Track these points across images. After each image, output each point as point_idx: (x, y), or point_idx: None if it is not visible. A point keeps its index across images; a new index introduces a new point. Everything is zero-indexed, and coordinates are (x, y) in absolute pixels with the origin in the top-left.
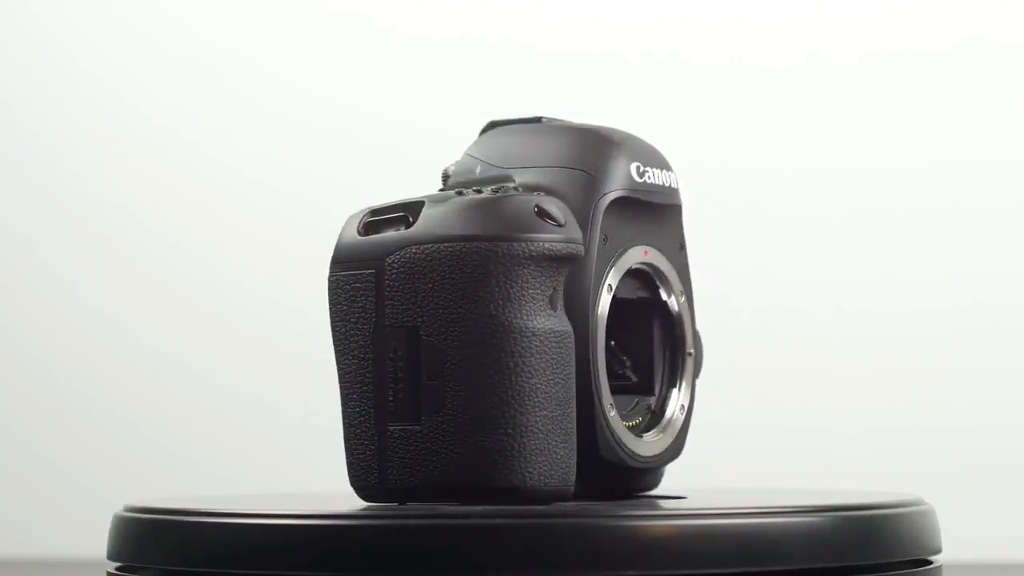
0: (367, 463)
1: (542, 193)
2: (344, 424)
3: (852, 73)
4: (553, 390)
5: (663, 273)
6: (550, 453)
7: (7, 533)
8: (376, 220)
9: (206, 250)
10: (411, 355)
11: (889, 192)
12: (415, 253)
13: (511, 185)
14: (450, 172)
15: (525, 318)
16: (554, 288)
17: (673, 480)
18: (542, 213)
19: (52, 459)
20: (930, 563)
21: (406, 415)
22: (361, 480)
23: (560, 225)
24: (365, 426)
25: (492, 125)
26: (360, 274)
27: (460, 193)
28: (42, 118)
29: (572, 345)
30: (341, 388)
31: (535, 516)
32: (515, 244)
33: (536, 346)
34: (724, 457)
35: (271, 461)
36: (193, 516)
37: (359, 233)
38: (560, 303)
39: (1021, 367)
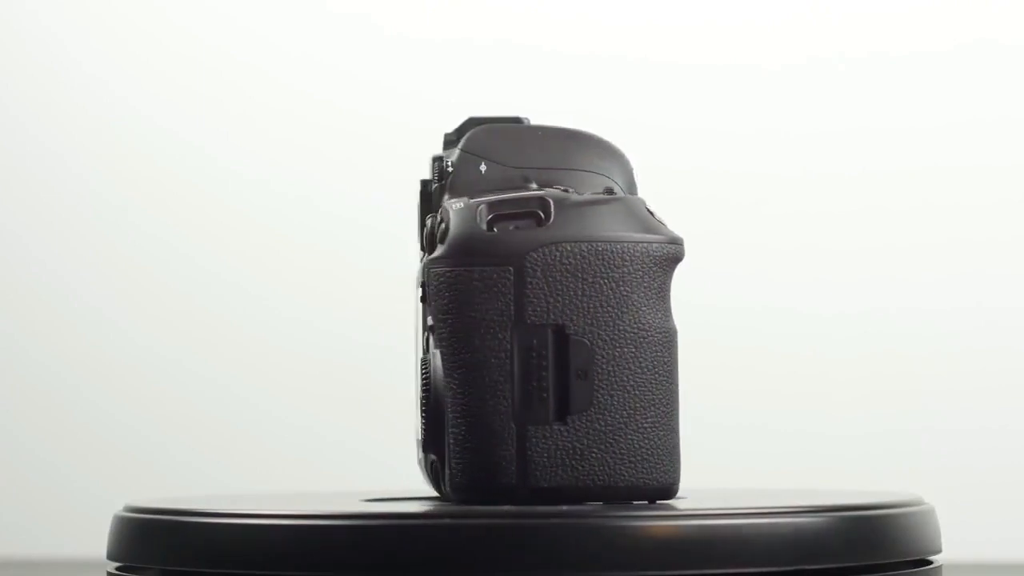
0: (501, 463)
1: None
2: (463, 423)
3: (852, 73)
4: (677, 389)
5: None
6: (678, 450)
7: (7, 533)
8: (502, 215)
9: (206, 250)
10: (558, 354)
11: (889, 193)
12: (561, 252)
13: (553, 188)
14: (449, 167)
15: (664, 318)
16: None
17: None
18: (652, 216)
19: (52, 459)
20: (930, 563)
21: (551, 414)
22: (488, 481)
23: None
24: (498, 425)
25: (474, 122)
26: (493, 270)
27: (566, 191)
28: (42, 118)
29: None
30: (459, 386)
31: (535, 516)
32: (652, 245)
33: (672, 345)
34: (724, 457)
35: (271, 461)
36: (193, 516)
37: (485, 229)
38: None
39: (1021, 368)
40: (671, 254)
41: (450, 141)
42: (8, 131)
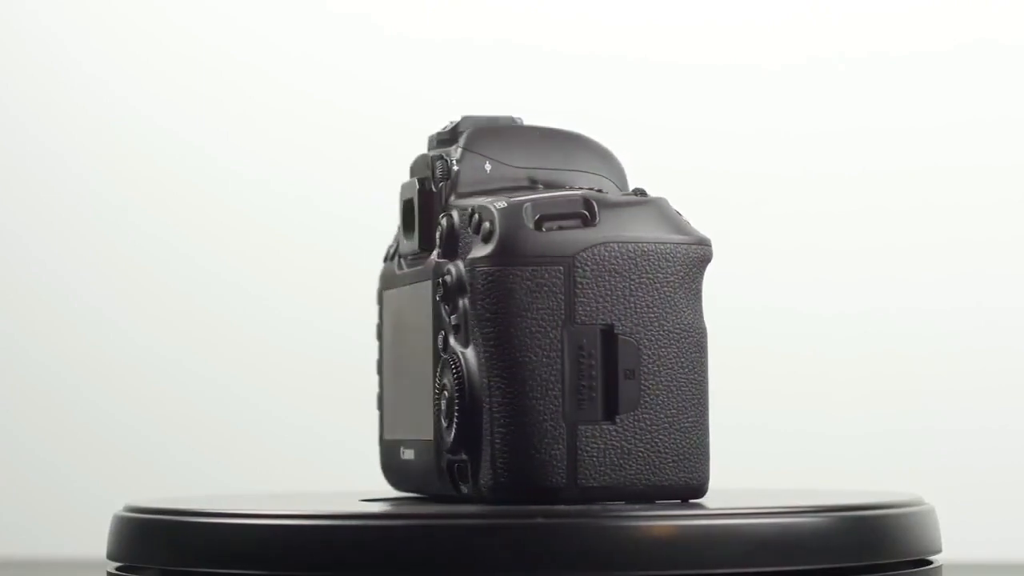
0: (551, 463)
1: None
2: (512, 423)
3: (852, 73)
4: (708, 388)
5: None
6: (709, 449)
7: (7, 533)
8: (549, 215)
9: (206, 250)
10: (606, 353)
11: (889, 193)
12: (609, 252)
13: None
14: (454, 165)
15: (699, 318)
16: None
17: None
18: (680, 216)
19: (52, 459)
20: (930, 563)
21: (601, 414)
22: (537, 481)
23: None
24: (550, 425)
25: (469, 121)
26: (545, 269)
27: (600, 191)
28: (42, 118)
29: None
30: (508, 385)
31: (535, 516)
32: (692, 247)
33: (705, 345)
34: (724, 458)
35: (271, 461)
36: (193, 516)
37: (533, 228)
38: None
39: (1021, 368)
40: (706, 255)
41: (444, 140)
42: (8, 131)
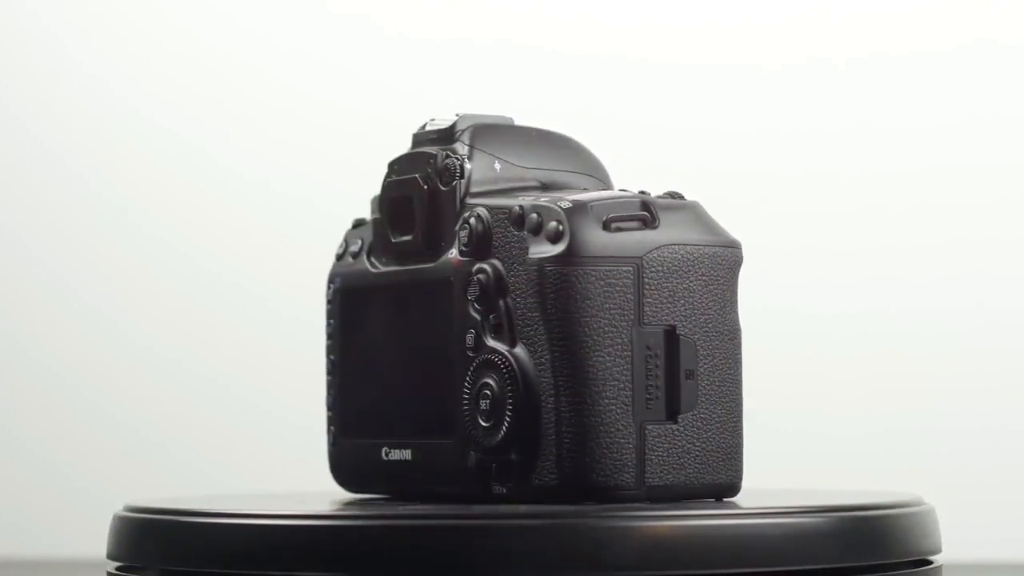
0: (620, 462)
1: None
2: (584, 422)
3: (852, 73)
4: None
5: None
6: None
7: (7, 533)
8: (616, 216)
9: (206, 250)
10: (669, 353)
11: (889, 193)
12: (671, 253)
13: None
14: (466, 163)
15: (738, 319)
16: None
17: None
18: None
19: (52, 459)
20: (930, 563)
21: (665, 413)
22: (606, 479)
23: None
24: (621, 424)
25: (469, 120)
26: (617, 270)
27: (643, 193)
28: (42, 118)
29: None
30: (581, 385)
31: (535, 516)
32: (735, 250)
33: (741, 345)
34: None
35: (270, 461)
36: (193, 516)
37: (605, 230)
38: None
39: (1021, 368)
40: (741, 258)
41: (439, 138)
42: (8, 131)
